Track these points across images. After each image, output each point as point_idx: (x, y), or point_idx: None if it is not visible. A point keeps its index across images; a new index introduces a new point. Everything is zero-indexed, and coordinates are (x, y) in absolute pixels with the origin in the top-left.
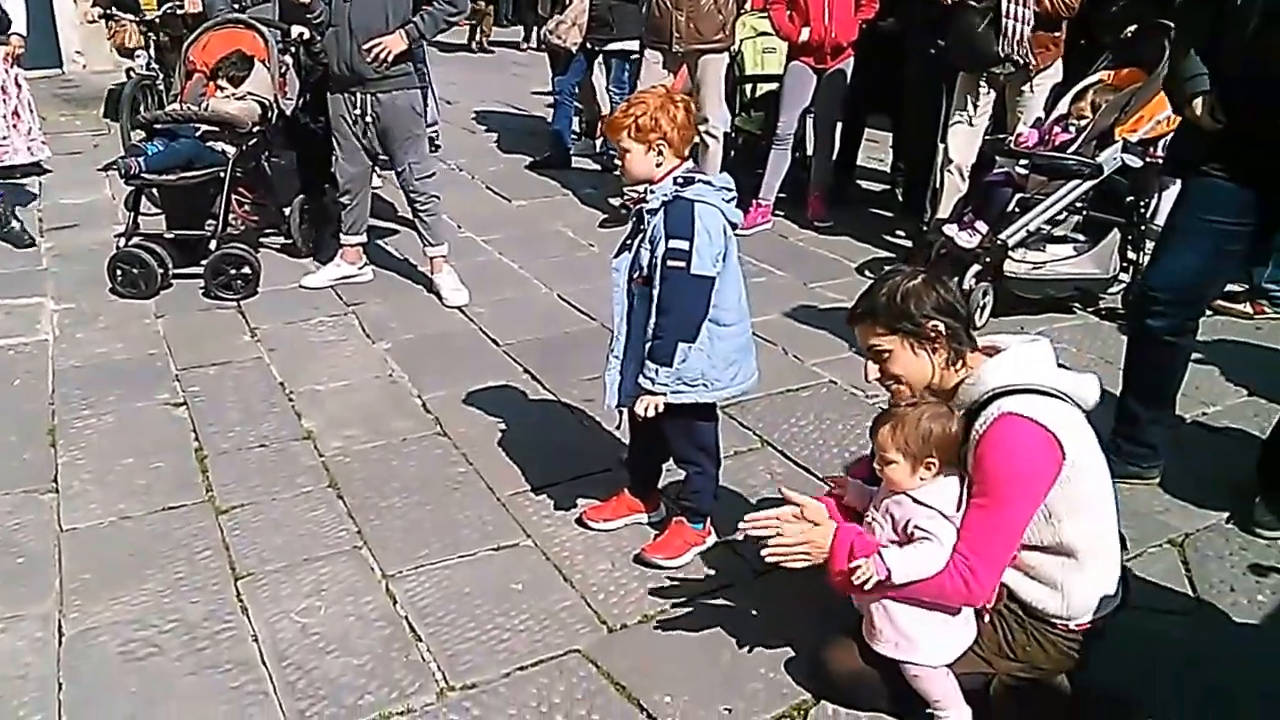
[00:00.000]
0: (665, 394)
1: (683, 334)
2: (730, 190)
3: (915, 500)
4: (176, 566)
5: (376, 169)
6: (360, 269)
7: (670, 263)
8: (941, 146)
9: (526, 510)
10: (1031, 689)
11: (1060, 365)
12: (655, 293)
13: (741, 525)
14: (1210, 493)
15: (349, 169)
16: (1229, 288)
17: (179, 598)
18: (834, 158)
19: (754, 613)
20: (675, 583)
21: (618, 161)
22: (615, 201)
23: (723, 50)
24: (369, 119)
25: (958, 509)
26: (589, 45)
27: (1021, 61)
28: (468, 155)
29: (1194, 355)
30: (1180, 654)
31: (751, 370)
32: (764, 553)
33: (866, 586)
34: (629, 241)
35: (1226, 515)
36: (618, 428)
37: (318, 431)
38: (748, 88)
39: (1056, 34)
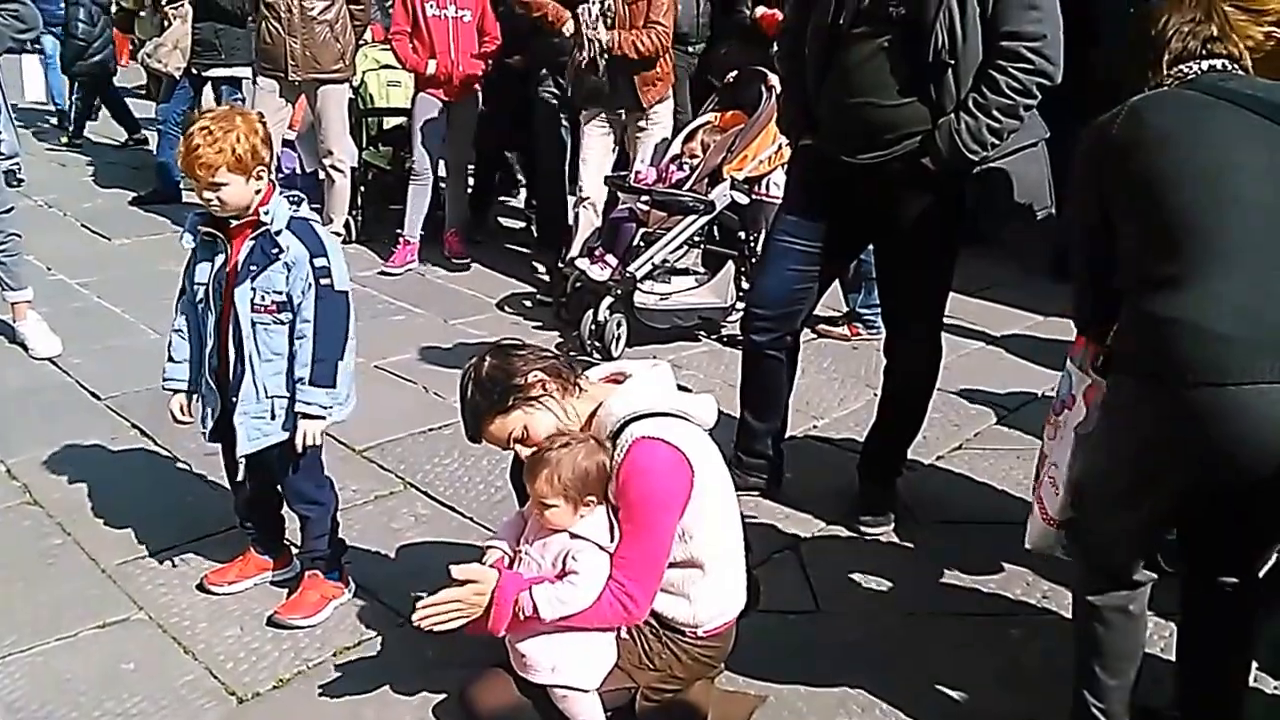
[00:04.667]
0: (328, 418)
1: (340, 353)
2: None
3: (572, 534)
4: None
5: None
6: None
7: (323, 281)
8: (578, 184)
9: (138, 580)
10: (673, 698)
11: (681, 387)
12: (301, 316)
13: (415, 619)
14: (823, 499)
15: None
16: (830, 313)
17: None
18: (468, 194)
19: (398, 661)
20: (313, 641)
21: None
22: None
23: (343, 81)
24: None
25: (612, 538)
26: (194, 70)
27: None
28: (58, 190)
29: (802, 374)
30: (803, 651)
31: None
32: (415, 619)
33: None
34: (252, 268)
35: (836, 518)
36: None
37: None
38: (374, 121)
39: (657, 71)
